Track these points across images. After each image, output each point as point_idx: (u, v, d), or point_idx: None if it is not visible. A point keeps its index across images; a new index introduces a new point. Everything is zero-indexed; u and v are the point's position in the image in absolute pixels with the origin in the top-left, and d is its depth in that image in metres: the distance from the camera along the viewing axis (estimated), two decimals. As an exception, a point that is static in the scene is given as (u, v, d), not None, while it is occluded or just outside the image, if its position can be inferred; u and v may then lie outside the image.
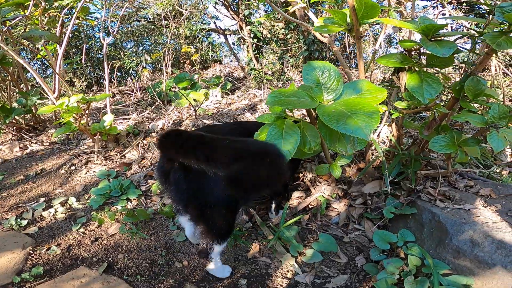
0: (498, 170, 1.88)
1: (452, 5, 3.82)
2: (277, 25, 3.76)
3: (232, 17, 3.69)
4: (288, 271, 1.45)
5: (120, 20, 3.39)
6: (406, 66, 1.26)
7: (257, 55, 3.95)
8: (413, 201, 1.49)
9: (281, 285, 1.39)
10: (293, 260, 1.48)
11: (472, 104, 1.17)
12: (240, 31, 3.82)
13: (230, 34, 4.31)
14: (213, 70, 4.77)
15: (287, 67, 3.87)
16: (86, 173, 2.59)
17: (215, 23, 4.14)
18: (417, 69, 1.21)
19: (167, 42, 4.00)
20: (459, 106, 1.24)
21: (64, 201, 2.16)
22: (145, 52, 4.75)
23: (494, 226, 1.23)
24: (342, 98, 1.05)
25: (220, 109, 3.14)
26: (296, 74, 3.90)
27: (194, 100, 3.70)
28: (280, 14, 3.36)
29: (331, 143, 1.03)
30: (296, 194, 1.84)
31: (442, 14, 3.66)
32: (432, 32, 1.12)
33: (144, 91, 4.14)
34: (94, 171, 2.59)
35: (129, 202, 2.07)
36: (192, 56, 3.69)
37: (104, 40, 2.84)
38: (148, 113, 3.48)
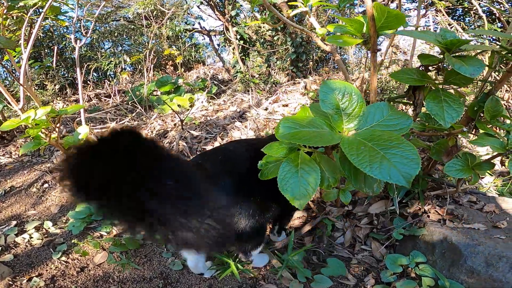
0: (492, 181, 1.91)
1: (433, 7, 3.88)
2: (263, 27, 3.64)
3: (218, 17, 3.52)
4: (297, 300, 1.37)
5: (97, 20, 3.12)
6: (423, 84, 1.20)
7: (243, 57, 3.82)
8: (421, 221, 1.46)
9: (291, 317, 1.31)
10: (302, 286, 1.40)
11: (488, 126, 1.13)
12: (226, 32, 3.66)
13: (215, 35, 4.15)
14: (196, 72, 4.58)
15: (274, 70, 3.78)
16: (61, 191, 2.37)
17: (199, 23, 3.95)
18: (433, 87, 1.16)
19: (147, 42, 3.76)
20: (473, 127, 1.20)
21: (39, 225, 1.96)
22: (124, 53, 4.45)
23: (507, 246, 1.22)
24: (364, 127, 0.97)
25: (208, 117, 3.00)
26: (282, 77, 3.82)
27: (179, 105, 3.52)
28: (274, 18, 3.25)
29: (357, 183, 0.93)
30: (297, 214, 1.76)
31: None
32: (455, 47, 1.06)
33: (123, 95, 3.89)
34: (71, 189, 2.39)
35: (114, 227, 1.89)
36: (176, 59, 3.49)
37: (76, 43, 2.60)
38: (128, 121, 3.27)
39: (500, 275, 1.16)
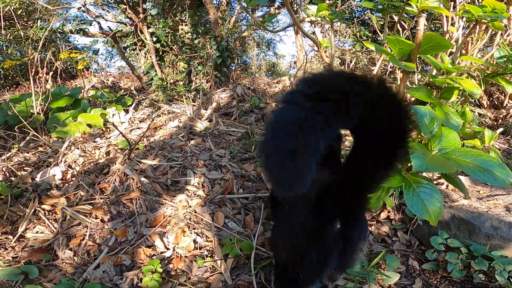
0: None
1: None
2: (181, 29, 3.25)
3: (130, 16, 2.84)
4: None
5: None
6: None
7: (159, 62, 3.31)
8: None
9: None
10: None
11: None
12: (139, 34, 3.03)
13: (110, 37, 3.29)
14: (87, 81, 3.56)
15: (195, 76, 3.47)
16: None
17: (99, 23, 3.06)
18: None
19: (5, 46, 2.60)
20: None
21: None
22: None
23: (496, 212, 1.64)
24: (441, 145, 1.14)
25: (150, 139, 2.47)
26: (204, 82, 3.57)
27: (89, 125, 2.71)
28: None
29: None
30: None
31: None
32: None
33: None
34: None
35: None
36: (79, 64, 2.59)
37: None
38: (15, 154, 2.26)
39: (505, 234, 1.53)
